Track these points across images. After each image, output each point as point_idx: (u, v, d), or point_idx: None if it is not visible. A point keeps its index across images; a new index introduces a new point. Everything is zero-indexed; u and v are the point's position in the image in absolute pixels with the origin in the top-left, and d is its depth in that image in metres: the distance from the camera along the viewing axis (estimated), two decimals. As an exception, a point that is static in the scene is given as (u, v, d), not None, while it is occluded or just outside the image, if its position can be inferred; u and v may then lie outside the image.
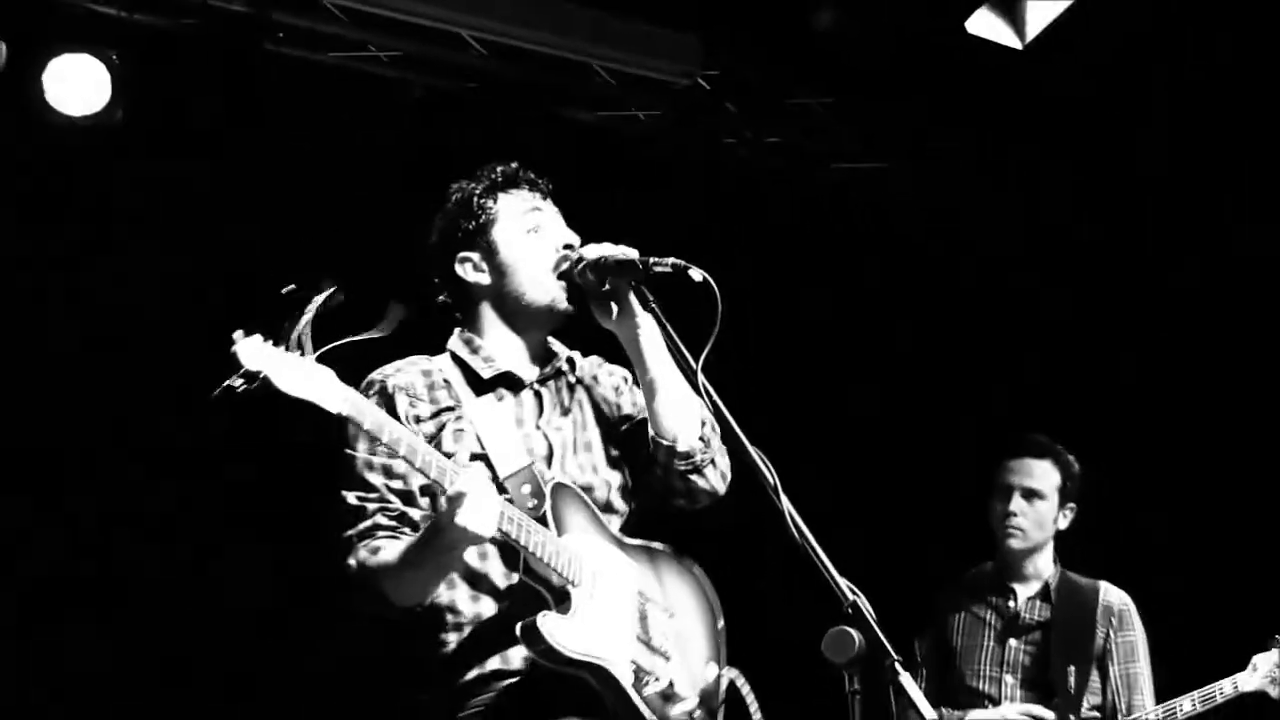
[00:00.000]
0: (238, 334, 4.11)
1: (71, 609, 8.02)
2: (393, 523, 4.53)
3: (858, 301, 9.26)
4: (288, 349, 4.19)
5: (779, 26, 8.58)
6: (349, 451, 4.60)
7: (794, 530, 4.24)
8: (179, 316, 7.97)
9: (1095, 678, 6.54)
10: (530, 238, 4.78)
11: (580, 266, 4.65)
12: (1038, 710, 6.36)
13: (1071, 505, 6.70)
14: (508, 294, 4.76)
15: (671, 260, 4.51)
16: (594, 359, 4.96)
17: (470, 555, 4.53)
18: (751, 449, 4.32)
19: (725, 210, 8.61)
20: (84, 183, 7.82)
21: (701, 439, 4.73)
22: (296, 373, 4.16)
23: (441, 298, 4.88)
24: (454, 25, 8.16)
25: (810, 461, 5.46)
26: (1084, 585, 6.66)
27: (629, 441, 4.84)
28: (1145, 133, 8.76)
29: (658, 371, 4.68)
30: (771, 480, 4.27)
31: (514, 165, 4.94)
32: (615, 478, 4.84)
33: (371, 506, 4.56)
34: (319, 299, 4.30)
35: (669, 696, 4.55)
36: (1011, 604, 6.66)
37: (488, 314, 4.79)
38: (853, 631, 4.06)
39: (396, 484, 4.58)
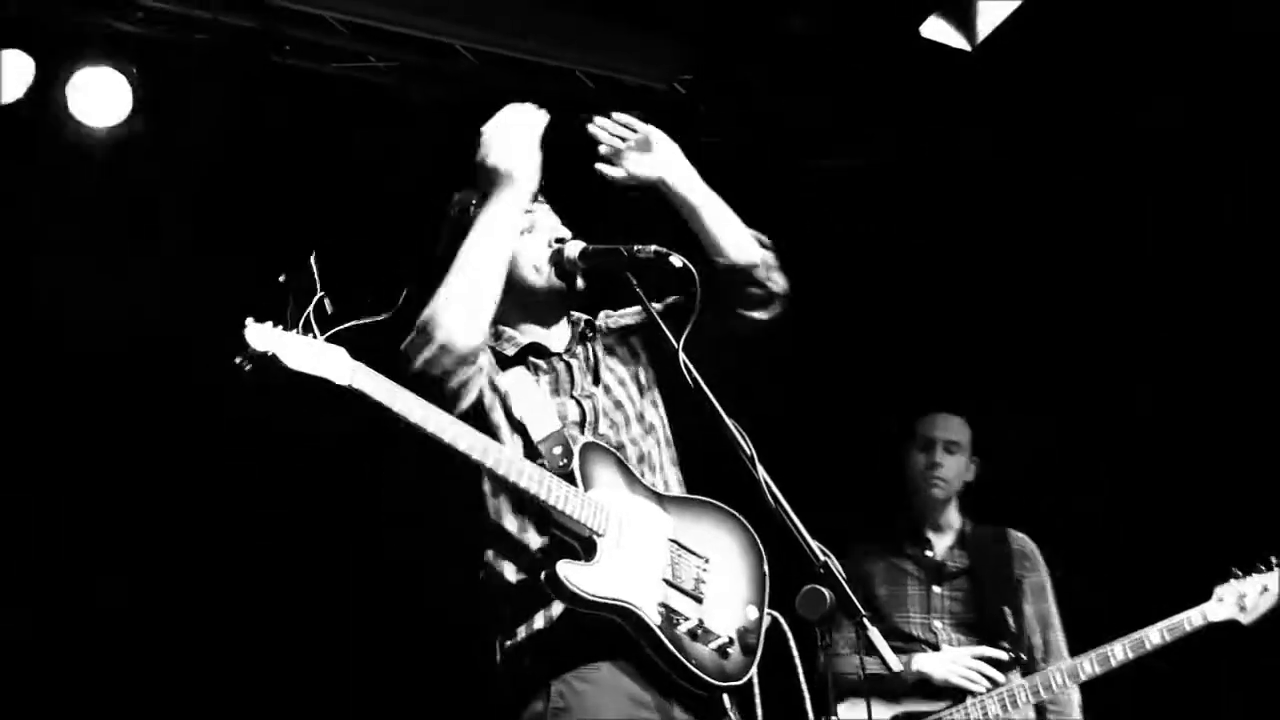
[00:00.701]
0: (249, 320, 4.26)
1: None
2: None
3: (824, 289, 9.15)
4: (298, 332, 4.29)
5: (749, 34, 8.57)
6: None
7: (770, 497, 4.32)
8: (195, 310, 7.91)
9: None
10: (525, 238, 4.85)
11: (570, 259, 4.75)
12: (990, 651, 6.31)
13: (976, 458, 6.74)
14: (514, 287, 4.77)
15: (653, 248, 4.59)
16: (604, 313, 5.05)
17: (510, 525, 4.65)
18: (730, 422, 4.38)
19: None
20: (107, 187, 7.78)
21: (760, 243, 5.01)
22: (306, 351, 4.32)
23: None
24: (447, 36, 8.19)
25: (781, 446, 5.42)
26: (992, 532, 6.65)
27: (652, 353, 5.00)
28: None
29: (700, 200, 5.02)
30: (749, 451, 4.34)
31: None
32: (648, 431, 4.92)
33: None
34: (315, 280, 4.38)
35: (697, 634, 4.57)
36: (930, 553, 6.61)
37: (503, 306, 4.76)
38: (824, 590, 4.16)
39: None
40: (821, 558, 4.24)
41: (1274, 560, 6.22)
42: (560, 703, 4.49)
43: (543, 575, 4.45)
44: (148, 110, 7.61)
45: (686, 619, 4.58)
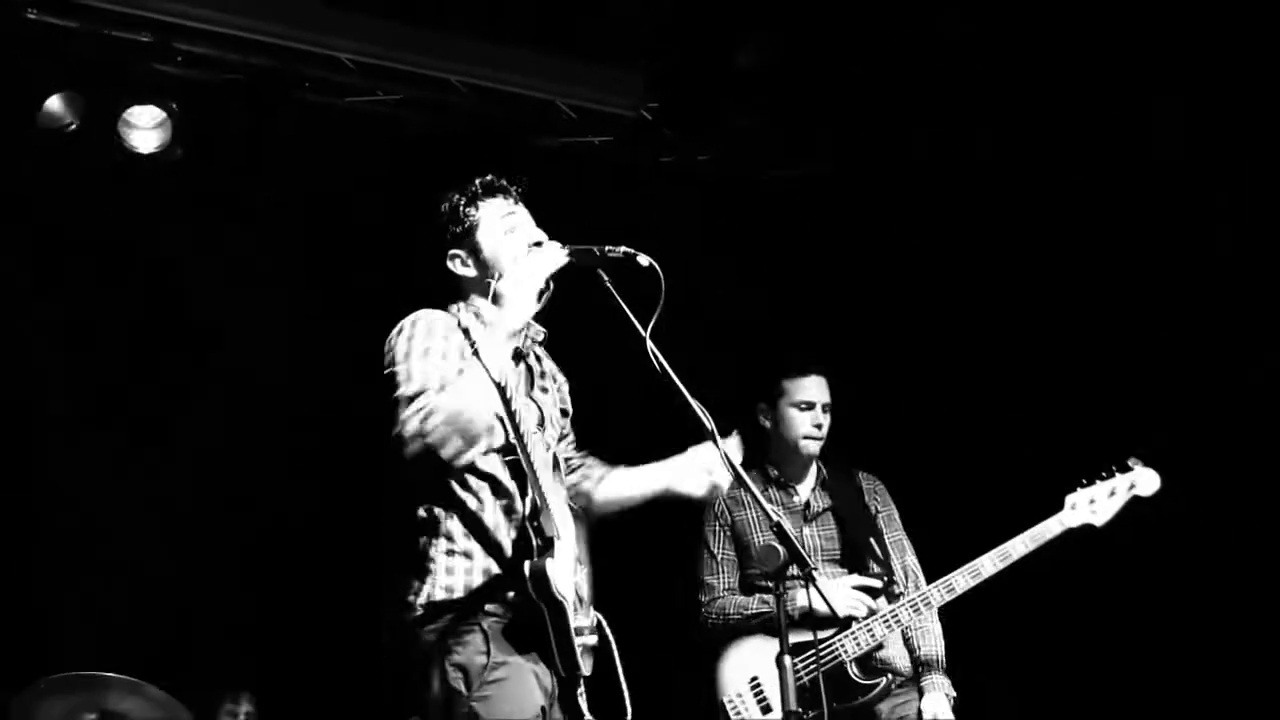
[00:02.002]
0: None
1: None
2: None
3: (777, 291, 9.16)
4: None
5: (706, 65, 8.61)
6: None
7: (730, 469, 4.49)
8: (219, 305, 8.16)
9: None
10: (507, 237, 4.80)
11: None
12: (865, 580, 6.05)
13: None
14: (493, 284, 4.69)
15: (623, 249, 4.57)
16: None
17: (488, 511, 4.57)
18: (694, 402, 4.40)
19: (665, 214, 8.43)
20: (153, 205, 7.87)
21: None
22: None
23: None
24: (442, 72, 8.19)
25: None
26: (844, 472, 6.44)
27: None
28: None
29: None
30: (710, 427, 4.40)
31: (490, 177, 4.96)
32: (561, 444, 4.92)
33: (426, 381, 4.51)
34: None
35: (580, 631, 4.55)
36: (797, 498, 6.32)
37: (479, 300, 4.75)
38: (779, 546, 4.28)
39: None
40: (775, 518, 4.33)
41: (1115, 467, 5.98)
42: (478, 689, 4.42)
43: (528, 568, 4.42)
44: (186, 139, 7.62)
45: (576, 616, 4.54)
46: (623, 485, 4.91)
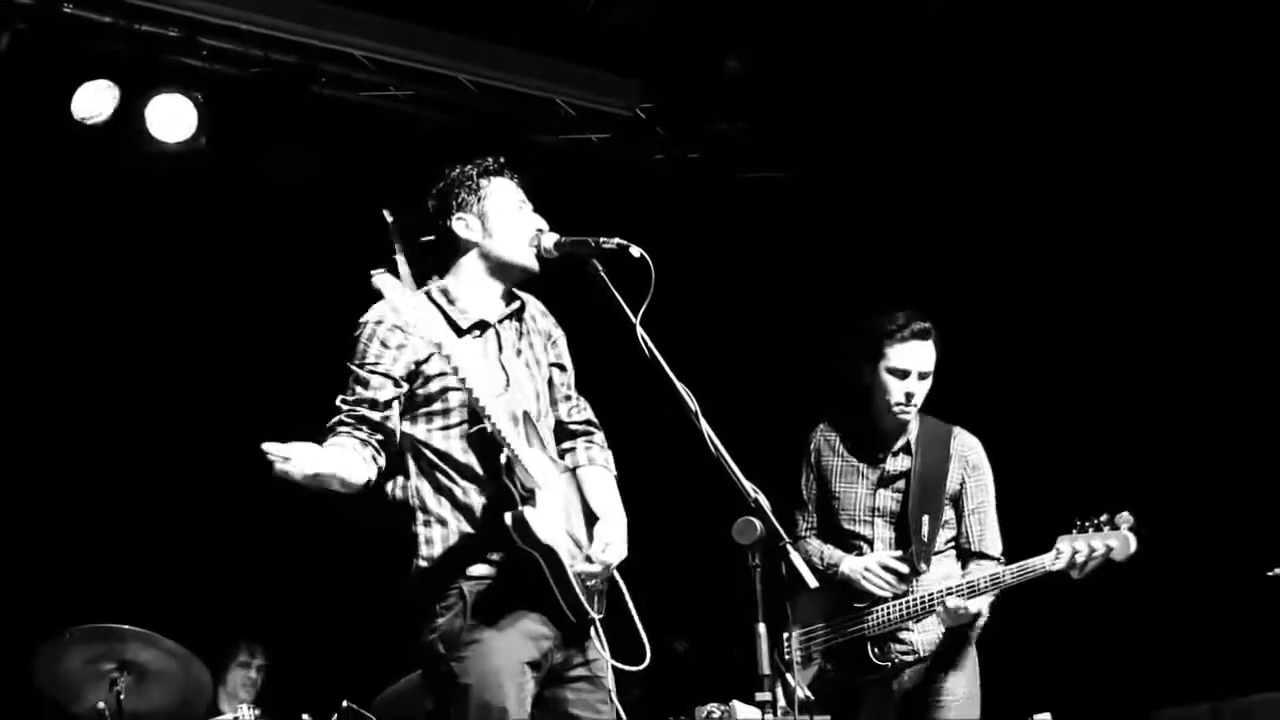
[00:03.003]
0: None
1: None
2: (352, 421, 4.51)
3: (759, 283, 9.21)
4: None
5: (697, 71, 8.64)
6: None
7: (711, 446, 4.33)
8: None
9: (951, 514, 5.87)
10: (517, 213, 4.76)
11: (546, 247, 4.66)
12: (891, 562, 5.75)
13: None
14: (491, 250, 4.71)
15: (616, 240, 4.53)
16: (537, 303, 4.90)
17: (459, 483, 4.53)
18: (678, 383, 4.36)
19: (657, 209, 8.47)
20: (177, 191, 7.81)
21: None
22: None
23: (430, 240, 4.83)
24: (453, 71, 8.19)
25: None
26: (940, 432, 5.91)
27: (549, 385, 4.84)
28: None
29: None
30: (693, 407, 4.33)
31: (503, 159, 4.89)
32: (544, 404, 4.78)
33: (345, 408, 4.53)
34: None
35: (582, 576, 4.50)
36: (879, 458, 5.88)
37: (470, 263, 4.73)
38: (755, 520, 4.19)
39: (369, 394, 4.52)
40: (753, 495, 4.26)
41: (1105, 520, 5.58)
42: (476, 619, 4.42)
43: (509, 516, 4.35)
44: (210, 129, 7.55)
45: (574, 562, 4.50)
46: (586, 490, 4.81)
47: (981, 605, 5.71)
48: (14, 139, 7.32)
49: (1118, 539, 5.56)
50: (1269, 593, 5.50)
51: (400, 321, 4.34)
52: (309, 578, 8.02)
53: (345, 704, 6.82)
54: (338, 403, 4.54)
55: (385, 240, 4.73)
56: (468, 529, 4.52)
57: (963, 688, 5.87)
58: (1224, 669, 6.57)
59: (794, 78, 8.54)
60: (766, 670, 4.26)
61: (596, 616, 4.56)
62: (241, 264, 8.06)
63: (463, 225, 4.75)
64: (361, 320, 4.63)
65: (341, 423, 4.50)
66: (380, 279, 4.34)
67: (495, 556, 4.48)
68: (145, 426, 7.92)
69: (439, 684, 4.50)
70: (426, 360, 4.54)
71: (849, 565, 5.86)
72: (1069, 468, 7.89)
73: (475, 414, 4.45)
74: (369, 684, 6.89)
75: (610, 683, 4.61)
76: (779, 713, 5.52)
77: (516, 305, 4.79)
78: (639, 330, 4.40)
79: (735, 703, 7.12)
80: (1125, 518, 5.57)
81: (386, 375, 4.54)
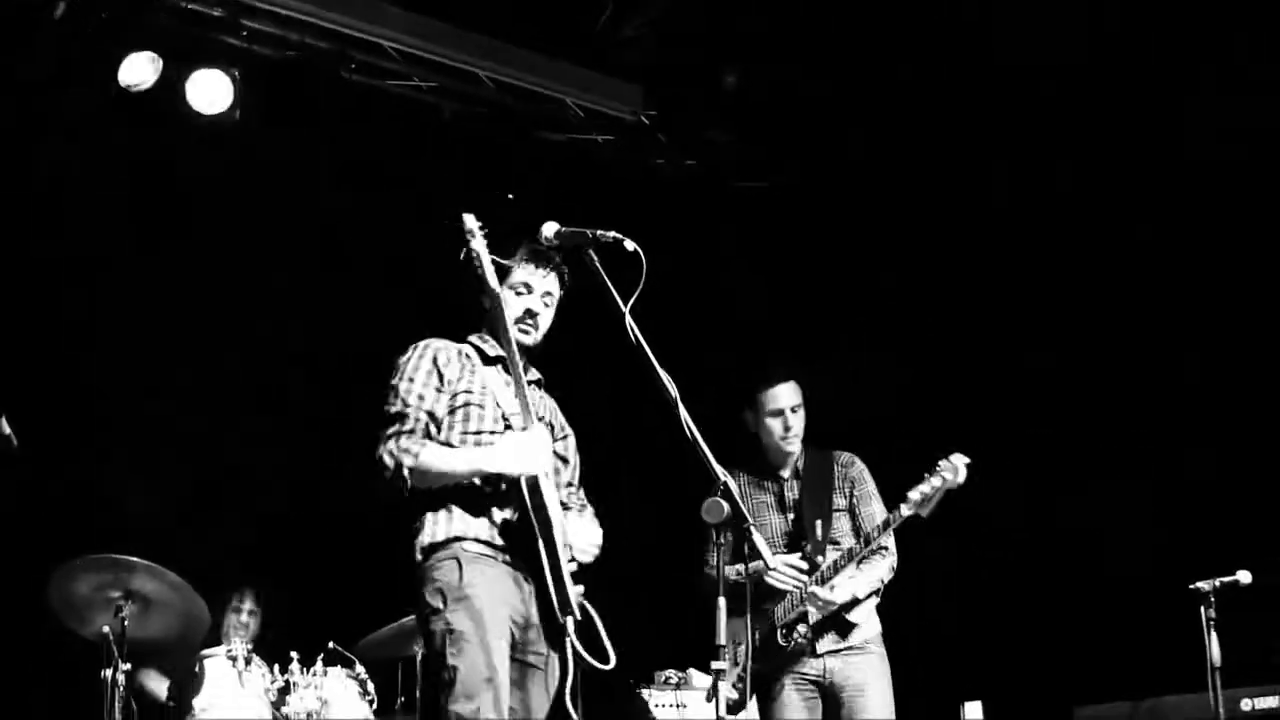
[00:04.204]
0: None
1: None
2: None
3: (749, 277, 9.27)
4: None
5: (697, 83, 8.70)
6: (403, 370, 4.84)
7: (687, 430, 4.35)
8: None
9: (846, 522, 6.13)
10: (517, 299, 4.95)
11: (546, 237, 4.67)
12: (792, 559, 6.01)
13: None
14: (492, 320, 4.92)
15: (613, 234, 4.57)
16: (552, 401, 5.15)
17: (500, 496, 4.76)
18: (660, 370, 4.38)
19: (653, 208, 8.46)
20: (211, 161, 7.79)
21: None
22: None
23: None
24: (473, 67, 8.22)
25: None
26: (821, 456, 6.27)
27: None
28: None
29: None
30: (673, 394, 4.36)
31: (537, 248, 4.95)
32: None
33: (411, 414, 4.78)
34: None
35: (575, 576, 4.74)
36: (776, 488, 6.23)
37: (490, 322, 4.96)
38: (723, 502, 4.23)
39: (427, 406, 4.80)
40: (722, 478, 4.29)
41: (938, 464, 5.82)
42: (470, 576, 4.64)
43: (525, 479, 4.64)
44: (245, 104, 7.60)
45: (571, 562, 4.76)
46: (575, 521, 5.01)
47: (841, 595, 5.92)
48: (62, 100, 7.35)
49: (948, 469, 5.81)
50: (1189, 603, 5.57)
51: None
52: (304, 530, 8.04)
53: (331, 645, 6.88)
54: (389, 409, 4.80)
55: (462, 238, 4.76)
56: (470, 518, 4.74)
57: (873, 683, 6.00)
58: (1142, 672, 6.64)
59: (785, 93, 8.62)
60: (722, 641, 4.28)
61: (575, 616, 4.70)
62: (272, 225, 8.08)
63: (483, 298, 4.94)
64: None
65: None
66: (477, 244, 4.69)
67: (489, 536, 4.72)
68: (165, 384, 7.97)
69: (436, 634, 4.62)
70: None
71: (758, 570, 5.97)
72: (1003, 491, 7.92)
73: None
74: (353, 630, 6.95)
75: (562, 684, 4.67)
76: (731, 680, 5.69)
77: (538, 377, 5.07)
78: (628, 318, 4.43)
79: (691, 670, 7.23)
80: (956, 455, 5.82)
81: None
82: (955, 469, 5.83)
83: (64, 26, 7.17)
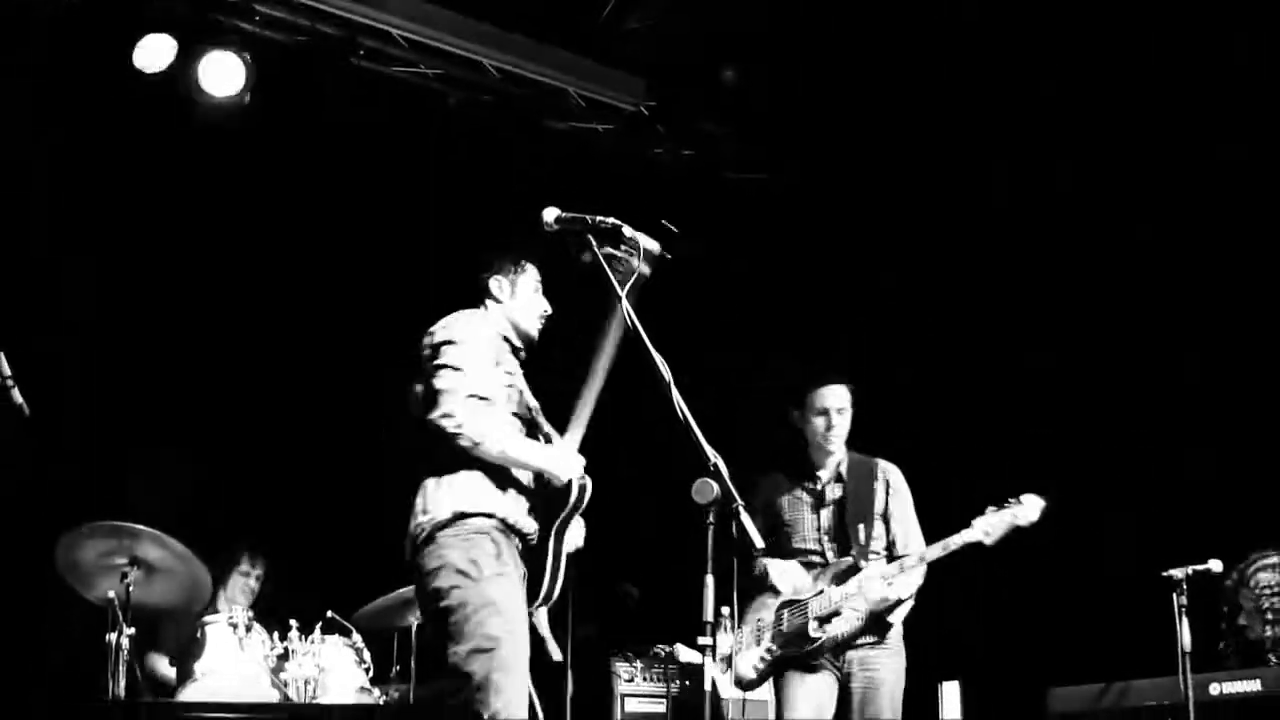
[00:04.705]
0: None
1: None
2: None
3: (741, 265, 9.26)
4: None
5: (696, 77, 8.71)
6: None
7: (680, 413, 4.35)
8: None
9: (881, 529, 6.16)
10: (535, 294, 5.27)
11: (547, 222, 4.68)
12: (791, 566, 6.12)
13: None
14: (510, 313, 5.20)
15: (612, 220, 4.61)
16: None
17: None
18: (655, 354, 4.41)
19: (650, 196, 8.35)
20: (223, 141, 7.80)
21: None
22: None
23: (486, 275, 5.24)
24: (478, 55, 8.24)
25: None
26: (864, 462, 6.32)
27: None
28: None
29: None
30: (667, 377, 4.36)
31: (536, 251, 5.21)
32: None
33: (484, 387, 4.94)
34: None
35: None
36: (817, 486, 6.25)
37: (514, 324, 5.22)
38: (713, 482, 4.21)
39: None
40: (713, 459, 4.27)
41: (1009, 499, 5.87)
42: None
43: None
44: (256, 87, 7.59)
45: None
46: None
47: (902, 591, 5.94)
48: (79, 82, 7.34)
49: (1023, 509, 5.82)
50: (1160, 590, 5.60)
51: None
52: (304, 504, 8.04)
53: (329, 614, 6.91)
54: (472, 390, 4.93)
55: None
56: (504, 495, 4.93)
57: (888, 682, 6.05)
58: (1114, 656, 6.67)
59: (783, 89, 8.63)
60: (709, 618, 4.28)
61: (548, 609, 5.05)
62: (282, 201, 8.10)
63: (494, 285, 5.23)
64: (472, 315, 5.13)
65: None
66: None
67: (513, 520, 4.92)
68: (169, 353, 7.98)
69: (469, 602, 4.72)
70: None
71: (771, 567, 6.14)
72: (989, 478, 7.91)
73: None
74: (350, 600, 6.98)
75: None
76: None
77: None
78: (624, 303, 4.48)
79: (679, 645, 7.25)
80: (1031, 496, 5.84)
81: None
82: (1028, 508, 5.84)
83: (81, 10, 7.16)
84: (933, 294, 8.71)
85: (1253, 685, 5.51)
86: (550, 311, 5.25)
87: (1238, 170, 7.45)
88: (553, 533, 4.96)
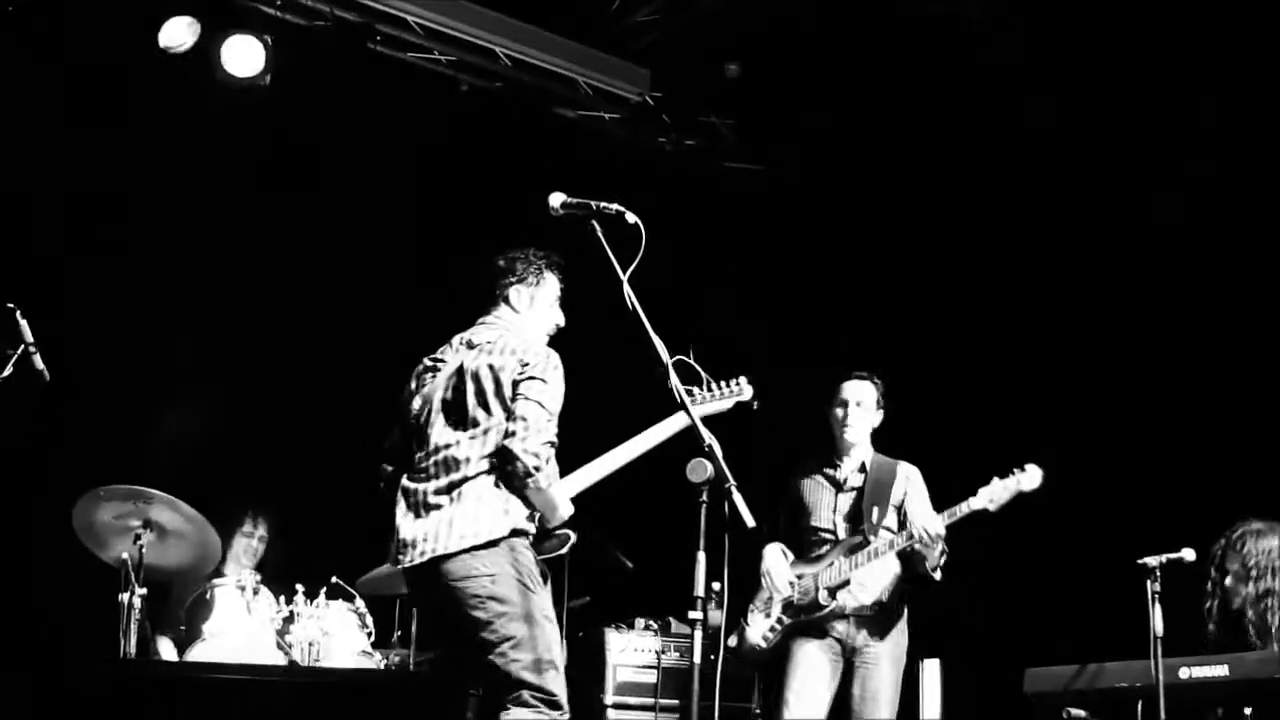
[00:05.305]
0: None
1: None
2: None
3: (738, 251, 9.28)
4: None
5: (701, 70, 8.72)
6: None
7: (678, 397, 4.46)
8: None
9: (894, 516, 6.29)
10: (552, 308, 5.19)
11: (553, 206, 4.66)
12: (784, 567, 6.30)
13: (881, 410, 6.51)
14: (527, 325, 5.09)
15: (615, 206, 4.60)
16: None
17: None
18: (656, 340, 4.40)
19: (654, 185, 8.33)
20: (242, 122, 7.84)
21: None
22: None
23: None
24: (490, 43, 8.27)
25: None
26: (887, 461, 6.46)
27: None
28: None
29: None
30: (666, 361, 4.41)
31: (559, 260, 5.21)
32: None
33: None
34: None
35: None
36: (838, 473, 6.41)
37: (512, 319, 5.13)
38: (707, 462, 4.28)
39: None
40: (708, 440, 4.32)
41: (1012, 469, 6.03)
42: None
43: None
44: (275, 70, 7.63)
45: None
46: None
47: (939, 526, 6.06)
48: (105, 62, 7.37)
49: (1025, 476, 6.02)
50: (1135, 577, 5.63)
51: None
52: (316, 466, 8.03)
53: (334, 579, 6.95)
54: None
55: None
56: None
57: (888, 657, 6.18)
58: (1089, 640, 6.70)
59: (783, 84, 8.63)
60: (700, 592, 4.36)
61: None
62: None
63: (514, 296, 5.13)
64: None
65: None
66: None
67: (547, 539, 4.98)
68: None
69: (534, 612, 4.77)
70: None
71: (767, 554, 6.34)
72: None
73: None
74: (354, 566, 6.95)
75: None
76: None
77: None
78: (625, 286, 4.45)
79: (670, 620, 7.30)
80: (1033, 466, 6.03)
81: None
82: (1030, 475, 6.03)
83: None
84: (905, 289, 8.68)
85: (1221, 670, 5.53)
86: (564, 325, 5.19)
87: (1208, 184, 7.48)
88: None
